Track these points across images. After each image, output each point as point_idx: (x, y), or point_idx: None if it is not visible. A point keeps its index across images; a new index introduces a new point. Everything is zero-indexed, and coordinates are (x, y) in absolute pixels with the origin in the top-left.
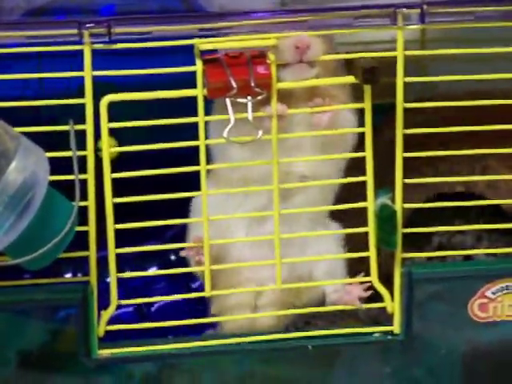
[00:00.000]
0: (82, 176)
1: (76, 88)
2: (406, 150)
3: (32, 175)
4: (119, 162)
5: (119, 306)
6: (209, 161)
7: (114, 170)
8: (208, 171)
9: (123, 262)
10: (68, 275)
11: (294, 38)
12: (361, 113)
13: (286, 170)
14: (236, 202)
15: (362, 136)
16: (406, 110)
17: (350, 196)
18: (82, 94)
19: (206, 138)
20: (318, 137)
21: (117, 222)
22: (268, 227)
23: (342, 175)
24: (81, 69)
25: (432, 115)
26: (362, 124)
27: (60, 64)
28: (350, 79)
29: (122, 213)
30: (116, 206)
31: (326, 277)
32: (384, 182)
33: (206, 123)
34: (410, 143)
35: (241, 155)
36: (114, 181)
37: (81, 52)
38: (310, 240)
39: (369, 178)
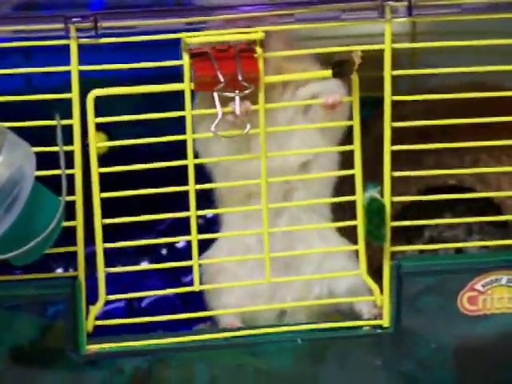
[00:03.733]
0: (70, 171)
1: (64, 83)
2: (401, 142)
3: (18, 170)
4: (112, 157)
5: (109, 302)
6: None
7: (106, 165)
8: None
9: (114, 257)
10: (59, 270)
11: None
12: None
13: (283, 161)
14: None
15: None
16: (399, 103)
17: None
18: (70, 89)
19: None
20: (314, 121)
21: (110, 216)
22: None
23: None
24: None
25: (425, 108)
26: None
27: (49, 59)
28: (327, 73)
29: (116, 207)
30: (108, 201)
31: (348, 294)
32: (377, 175)
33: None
34: (406, 135)
35: (227, 153)
36: (106, 175)
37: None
38: (325, 254)
39: (357, 171)
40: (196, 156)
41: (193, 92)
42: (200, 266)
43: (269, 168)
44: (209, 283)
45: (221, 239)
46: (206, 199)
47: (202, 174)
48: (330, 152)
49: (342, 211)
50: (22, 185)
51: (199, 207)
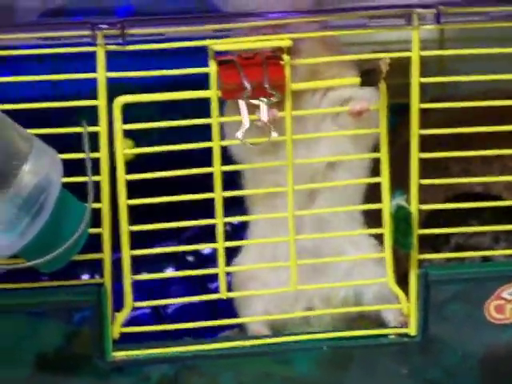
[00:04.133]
0: (97, 178)
1: (92, 89)
2: (428, 149)
3: (45, 177)
4: (139, 164)
5: (135, 308)
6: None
7: (133, 171)
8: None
9: (140, 264)
10: (85, 277)
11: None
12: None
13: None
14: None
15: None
16: (426, 110)
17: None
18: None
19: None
20: (343, 126)
21: (135, 222)
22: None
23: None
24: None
25: (453, 114)
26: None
27: (76, 65)
28: (355, 81)
29: (141, 213)
30: (134, 207)
31: (375, 302)
32: (404, 182)
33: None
34: (434, 143)
35: (257, 155)
36: (132, 182)
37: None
38: (356, 263)
39: (384, 179)
40: (227, 161)
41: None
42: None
43: (295, 168)
44: (238, 290)
45: (249, 245)
46: (234, 204)
47: (231, 179)
48: (358, 151)
49: (375, 214)
50: (48, 192)
51: (227, 213)
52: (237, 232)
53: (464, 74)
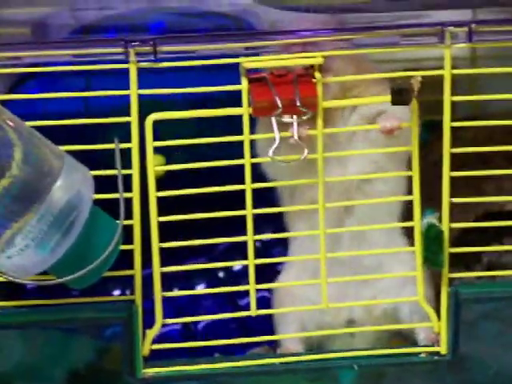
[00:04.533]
0: (128, 194)
1: (124, 105)
2: (461, 167)
3: (77, 194)
4: (171, 180)
5: (165, 325)
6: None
7: (164, 188)
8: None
9: (171, 280)
10: (116, 292)
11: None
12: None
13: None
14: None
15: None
16: (459, 128)
17: None
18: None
19: (253, 156)
20: (374, 141)
21: (167, 239)
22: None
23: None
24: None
25: (484, 133)
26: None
27: (108, 81)
28: (387, 98)
29: (173, 230)
30: (166, 224)
31: (412, 316)
32: (436, 200)
33: (253, 142)
34: (466, 160)
35: (291, 171)
36: (164, 199)
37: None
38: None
39: (415, 196)
40: (261, 177)
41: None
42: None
43: (329, 184)
44: (277, 307)
45: (290, 263)
46: (267, 221)
47: (263, 194)
48: (393, 167)
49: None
50: (80, 209)
51: (258, 229)
52: (268, 248)
53: (496, 92)
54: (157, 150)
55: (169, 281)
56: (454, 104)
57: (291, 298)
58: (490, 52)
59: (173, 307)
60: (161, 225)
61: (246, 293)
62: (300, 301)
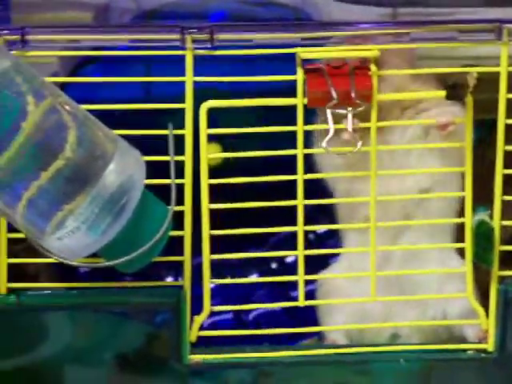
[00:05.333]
0: (180, 181)
1: (182, 94)
2: None
3: (129, 178)
4: (229, 169)
5: (217, 313)
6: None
7: (222, 177)
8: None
9: (225, 270)
10: (169, 279)
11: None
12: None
13: (401, 187)
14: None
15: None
16: None
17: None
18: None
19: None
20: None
21: (224, 227)
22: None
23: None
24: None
25: None
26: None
27: (167, 69)
28: (441, 94)
29: (229, 221)
30: (223, 212)
31: (460, 318)
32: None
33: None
34: None
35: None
36: (224, 188)
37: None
38: (443, 279)
39: (468, 193)
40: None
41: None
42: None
43: (386, 192)
44: (321, 299)
45: (340, 261)
46: (321, 214)
47: (321, 188)
48: (451, 179)
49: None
50: (131, 193)
51: (314, 222)
52: (320, 241)
53: None
54: (214, 139)
55: (222, 270)
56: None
57: (337, 292)
58: None
59: (226, 297)
60: (220, 217)
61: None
62: (345, 295)
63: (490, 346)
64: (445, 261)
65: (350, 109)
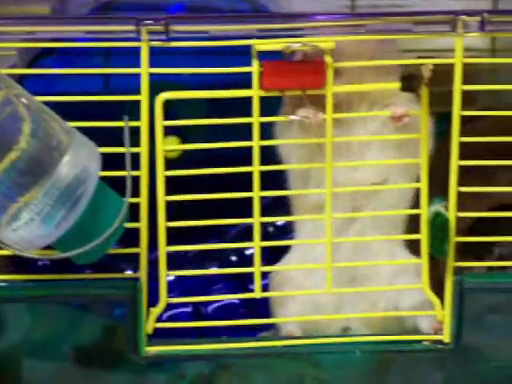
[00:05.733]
0: (136, 173)
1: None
2: (475, 158)
3: (84, 170)
4: (185, 162)
5: (176, 306)
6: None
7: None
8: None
9: (184, 263)
10: (130, 272)
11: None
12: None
13: (352, 178)
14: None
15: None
16: (475, 119)
17: None
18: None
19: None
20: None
21: (181, 220)
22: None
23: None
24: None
25: (505, 124)
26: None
27: (127, 63)
28: (397, 85)
29: (186, 212)
30: (189, 206)
31: (412, 310)
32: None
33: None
34: (481, 152)
35: (302, 161)
36: (182, 181)
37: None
38: (394, 271)
39: (423, 185)
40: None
41: (279, 99)
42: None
43: (341, 184)
44: (274, 290)
45: (292, 252)
46: (282, 207)
47: (279, 181)
48: (405, 174)
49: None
50: (86, 184)
51: (272, 215)
52: (280, 233)
53: None
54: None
55: (182, 264)
56: (472, 96)
57: (290, 283)
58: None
59: (185, 291)
60: (179, 210)
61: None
62: (298, 286)
63: (445, 337)
64: (395, 255)
65: (305, 100)
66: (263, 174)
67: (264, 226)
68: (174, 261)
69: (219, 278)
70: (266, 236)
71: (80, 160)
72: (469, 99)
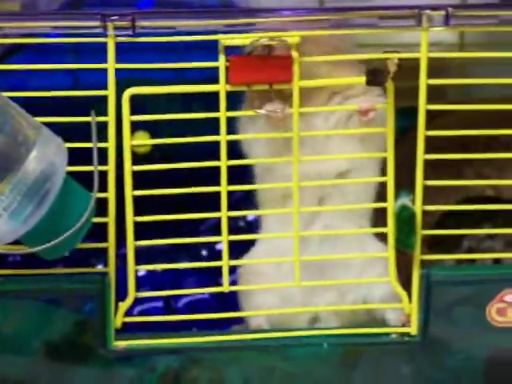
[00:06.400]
0: (103, 167)
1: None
2: (443, 152)
3: (51, 165)
4: (159, 158)
5: (146, 301)
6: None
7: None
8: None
9: (155, 257)
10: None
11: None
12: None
13: (319, 170)
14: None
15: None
16: (444, 113)
17: None
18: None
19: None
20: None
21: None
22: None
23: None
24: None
25: (473, 119)
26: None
27: (97, 60)
28: (361, 80)
29: (157, 207)
30: (152, 204)
31: (381, 302)
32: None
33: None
34: (449, 146)
35: (268, 155)
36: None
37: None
38: (363, 262)
39: (389, 178)
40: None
41: (241, 95)
42: (237, 268)
43: (305, 175)
44: (242, 283)
45: (259, 244)
46: (251, 202)
47: (247, 175)
48: (368, 164)
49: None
50: (53, 180)
51: (243, 209)
52: (251, 228)
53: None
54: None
55: (155, 259)
56: (441, 91)
57: (257, 276)
58: (480, 39)
59: (155, 285)
60: (148, 206)
61: (230, 272)
62: (266, 278)
63: (413, 329)
64: (363, 243)
65: (272, 94)
66: (235, 168)
67: (235, 220)
68: (147, 257)
69: (190, 273)
70: (237, 230)
71: (47, 155)
72: (438, 93)
